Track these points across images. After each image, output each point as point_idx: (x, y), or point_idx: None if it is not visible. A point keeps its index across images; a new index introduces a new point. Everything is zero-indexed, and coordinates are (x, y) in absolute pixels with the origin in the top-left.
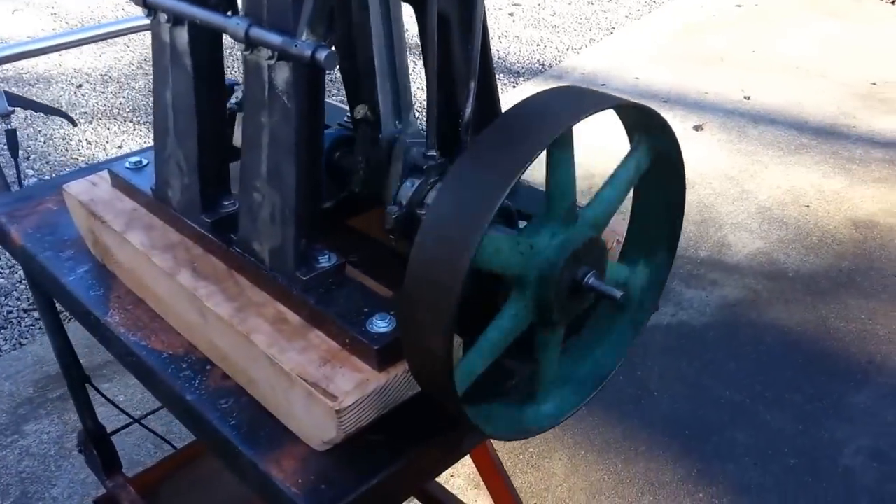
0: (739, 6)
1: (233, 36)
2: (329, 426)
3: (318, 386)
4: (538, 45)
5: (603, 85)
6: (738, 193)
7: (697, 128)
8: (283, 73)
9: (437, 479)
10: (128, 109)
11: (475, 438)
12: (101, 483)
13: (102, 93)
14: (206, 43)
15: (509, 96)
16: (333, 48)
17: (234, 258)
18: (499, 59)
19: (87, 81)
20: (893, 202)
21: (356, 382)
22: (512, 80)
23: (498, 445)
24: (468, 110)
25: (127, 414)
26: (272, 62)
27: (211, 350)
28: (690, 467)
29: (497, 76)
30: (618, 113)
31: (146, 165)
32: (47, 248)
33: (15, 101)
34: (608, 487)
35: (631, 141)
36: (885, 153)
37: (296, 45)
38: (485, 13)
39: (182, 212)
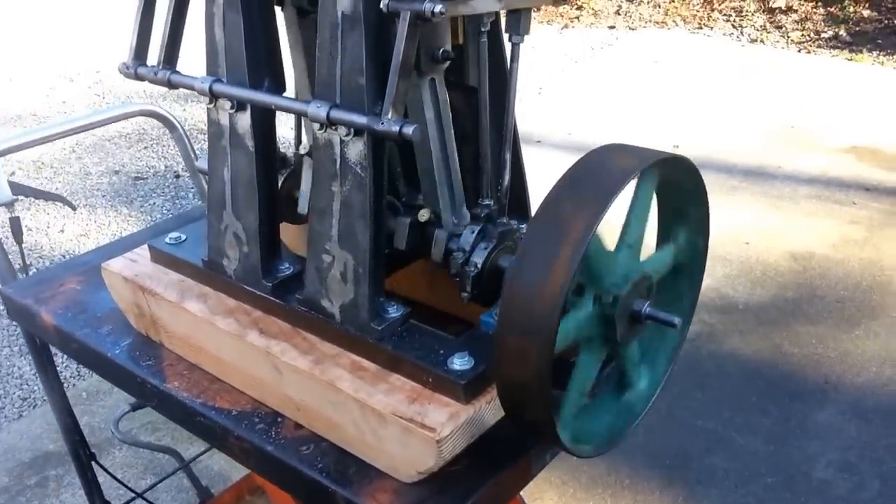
0: (657, 62)
1: (312, 117)
2: (428, 456)
3: (414, 421)
4: None
5: (539, 141)
6: None
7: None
8: (356, 148)
9: None
10: (64, 193)
11: (540, 462)
12: None
13: (36, 178)
14: (266, 124)
15: None
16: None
17: (298, 316)
18: None
19: (20, 168)
20: (826, 234)
21: (449, 415)
22: None
23: None
24: (507, 178)
25: (131, 489)
26: (348, 138)
27: (283, 403)
28: (676, 495)
29: None
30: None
31: (185, 240)
32: (84, 326)
33: (18, 189)
34: None
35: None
36: (811, 189)
37: (382, 123)
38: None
39: (240, 279)
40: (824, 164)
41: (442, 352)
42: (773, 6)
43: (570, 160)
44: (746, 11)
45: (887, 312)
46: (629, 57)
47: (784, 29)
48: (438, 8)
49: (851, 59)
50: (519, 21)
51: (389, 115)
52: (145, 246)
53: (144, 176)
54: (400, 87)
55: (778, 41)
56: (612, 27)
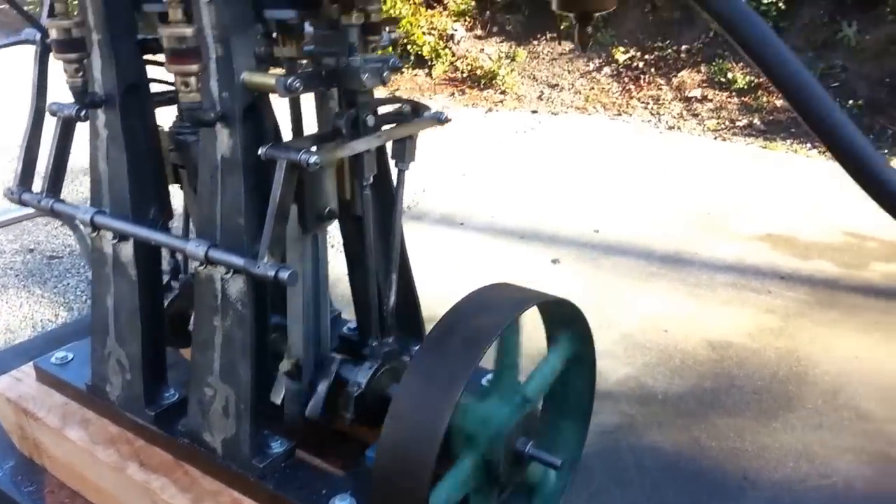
0: (578, 147)
1: (191, 256)
2: None
3: None
4: None
5: (462, 224)
6: (600, 322)
7: (555, 261)
8: (236, 286)
9: None
10: None
11: None
12: None
13: None
14: (149, 256)
15: None
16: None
17: (181, 448)
18: None
19: None
20: (743, 323)
21: None
22: None
23: None
24: (392, 298)
25: None
26: (227, 276)
27: None
28: None
29: None
30: (541, 308)
31: (72, 360)
32: None
33: None
34: None
35: (553, 333)
36: (727, 277)
37: (259, 266)
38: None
39: (123, 405)
40: (740, 252)
41: (324, 491)
42: (689, 95)
43: (492, 243)
44: (664, 100)
45: (804, 404)
46: (551, 141)
47: (700, 117)
48: (313, 160)
49: (766, 147)
50: (404, 149)
51: (265, 260)
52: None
53: (60, 255)
54: (276, 231)
55: (694, 129)
56: (534, 112)
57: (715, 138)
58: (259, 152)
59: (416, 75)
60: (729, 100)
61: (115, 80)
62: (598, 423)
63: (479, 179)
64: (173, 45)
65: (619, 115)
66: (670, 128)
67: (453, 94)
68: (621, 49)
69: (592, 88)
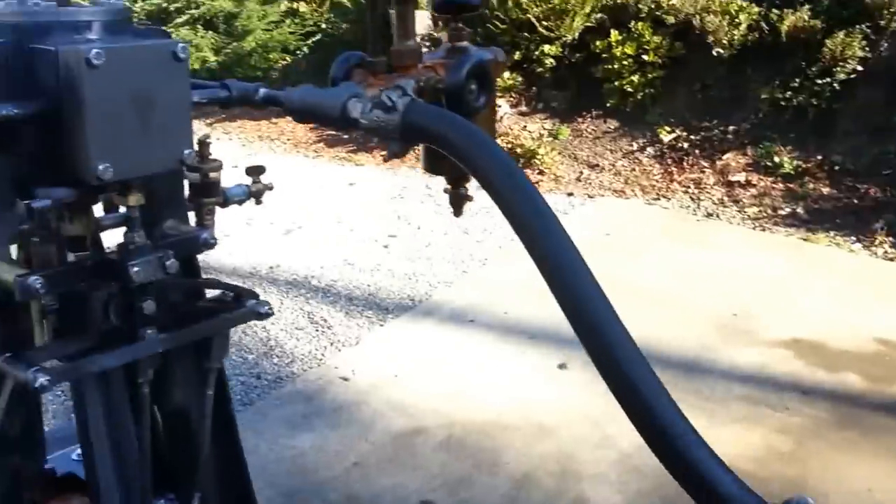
0: (609, 234)
1: None
2: None
3: None
4: (410, 278)
5: (472, 321)
6: (599, 439)
7: (562, 366)
8: None
9: None
10: None
11: None
12: None
13: None
14: None
15: (375, 335)
16: None
17: None
18: (370, 294)
19: None
20: (753, 444)
21: None
22: (380, 317)
23: None
24: None
25: None
26: None
27: None
28: None
29: (365, 313)
30: None
31: None
32: None
33: None
34: None
35: None
36: (743, 390)
37: None
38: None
39: None
40: (762, 361)
41: None
42: (732, 179)
43: (501, 345)
44: (705, 184)
45: None
46: (582, 227)
47: (741, 203)
48: (42, 381)
49: (807, 239)
50: (211, 347)
51: None
52: None
53: None
54: None
55: (734, 216)
56: (570, 194)
57: (754, 228)
58: None
59: None
60: (773, 185)
61: None
62: None
63: (497, 272)
64: None
65: (658, 199)
66: (709, 215)
67: None
68: (667, 128)
69: (633, 170)
